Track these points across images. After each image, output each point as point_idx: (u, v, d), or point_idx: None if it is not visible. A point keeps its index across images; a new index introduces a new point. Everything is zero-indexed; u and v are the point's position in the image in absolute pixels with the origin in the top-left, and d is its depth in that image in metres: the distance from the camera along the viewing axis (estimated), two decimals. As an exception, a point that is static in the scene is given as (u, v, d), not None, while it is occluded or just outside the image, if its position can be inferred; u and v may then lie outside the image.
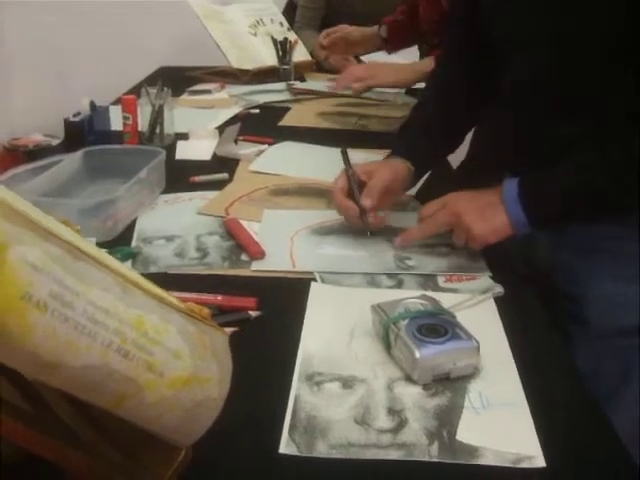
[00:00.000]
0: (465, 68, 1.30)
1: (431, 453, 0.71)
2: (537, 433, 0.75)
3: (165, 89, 1.70)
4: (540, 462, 0.71)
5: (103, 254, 0.60)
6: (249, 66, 2.45)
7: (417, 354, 0.80)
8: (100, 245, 1.12)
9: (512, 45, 1.12)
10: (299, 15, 2.99)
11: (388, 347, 0.86)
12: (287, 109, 2.09)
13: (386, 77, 2.02)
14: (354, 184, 1.16)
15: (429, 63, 1.84)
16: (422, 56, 2.42)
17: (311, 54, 2.71)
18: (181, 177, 1.44)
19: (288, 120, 1.96)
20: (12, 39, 3.43)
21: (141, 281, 0.59)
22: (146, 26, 3.89)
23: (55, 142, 1.93)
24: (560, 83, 1.06)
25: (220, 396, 0.61)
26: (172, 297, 0.62)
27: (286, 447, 0.72)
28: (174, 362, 0.57)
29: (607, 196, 1.02)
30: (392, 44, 2.28)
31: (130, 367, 0.54)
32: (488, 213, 1.06)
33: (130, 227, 1.22)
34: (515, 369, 0.85)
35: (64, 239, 0.51)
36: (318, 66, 2.69)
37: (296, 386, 0.81)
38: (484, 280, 1.07)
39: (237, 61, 2.45)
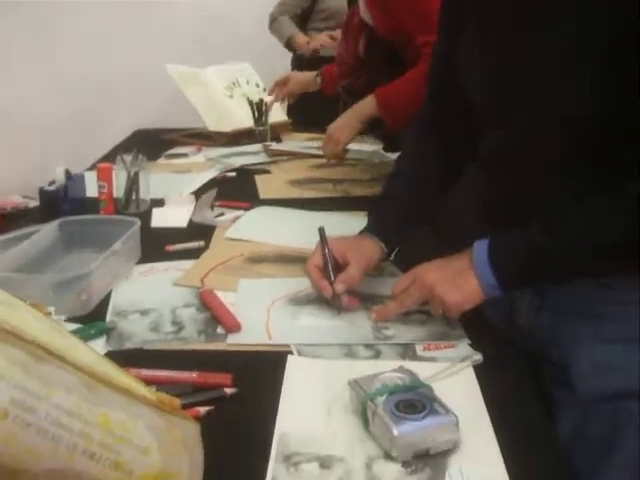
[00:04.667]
0: (443, 134, 1.29)
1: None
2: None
3: (140, 156, 1.70)
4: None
5: (72, 342, 0.59)
6: (226, 128, 2.47)
7: (395, 432, 0.79)
8: (75, 320, 1.11)
9: (490, 112, 1.12)
10: (277, 5, 3.13)
11: (366, 424, 0.85)
12: (264, 171, 2.10)
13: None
14: (329, 264, 1.17)
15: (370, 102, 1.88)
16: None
17: (287, 43, 2.88)
18: (157, 246, 1.43)
19: (264, 192, 1.88)
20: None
21: (110, 373, 0.58)
22: (124, 89, 3.95)
23: (32, 204, 1.93)
24: (539, 151, 1.04)
25: (191, 490, 0.60)
26: (142, 387, 0.61)
27: (263, 535, 0.70)
28: (142, 459, 0.56)
29: (575, 259, 1.01)
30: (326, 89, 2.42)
31: (97, 468, 0.52)
32: (459, 280, 1.05)
33: (105, 300, 1.20)
34: (495, 442, 0.84)
35: (28, 339, 0.50)
36: (294, 126, 2.71)
37: (273, 467, 0.79)
38: (463, 347, 1.06)
39: (214, 124, 2.47)
